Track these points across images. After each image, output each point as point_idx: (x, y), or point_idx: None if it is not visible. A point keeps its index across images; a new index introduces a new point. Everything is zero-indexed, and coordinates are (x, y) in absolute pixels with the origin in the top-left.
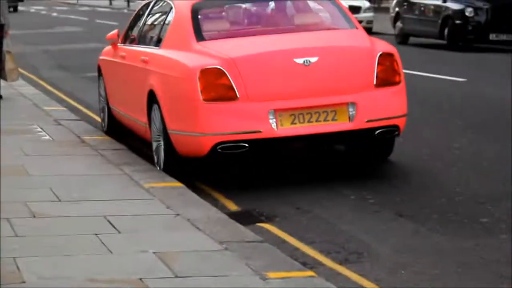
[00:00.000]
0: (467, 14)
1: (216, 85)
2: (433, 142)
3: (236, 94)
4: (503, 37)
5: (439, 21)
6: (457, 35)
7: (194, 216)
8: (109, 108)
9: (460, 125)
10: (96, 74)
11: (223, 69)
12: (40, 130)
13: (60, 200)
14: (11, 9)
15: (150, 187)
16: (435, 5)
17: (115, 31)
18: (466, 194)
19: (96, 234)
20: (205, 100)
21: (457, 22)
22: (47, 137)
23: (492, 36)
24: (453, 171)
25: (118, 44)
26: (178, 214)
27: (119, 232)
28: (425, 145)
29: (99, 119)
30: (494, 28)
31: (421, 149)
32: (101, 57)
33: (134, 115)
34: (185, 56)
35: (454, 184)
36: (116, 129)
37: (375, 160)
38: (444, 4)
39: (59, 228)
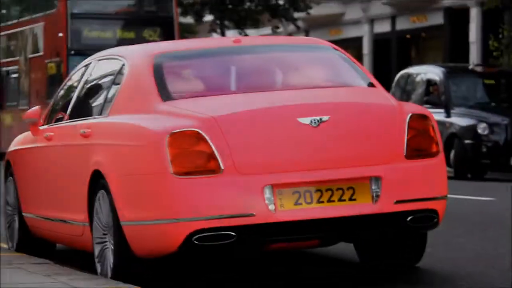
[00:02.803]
0: (479, 131)
1: (192, 153)
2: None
3: (219, 165)
4: None
5: (443, 142)
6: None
7: None
8: (21, 219)
9: None
10: None
11: (201, 132)
12: None
13: None
14: None
15: None
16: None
17: (35, 108)
18: None
19: None
20: (176, 173)
21: (466, 142)
22: None
23: None
24: None
25: (40, 126)
26: None
27: None
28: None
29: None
30: None
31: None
32: (11, 149)
33: (65, 214)
34: (147, 119)
35: None
36: (31, 248)
37: (400, 263)
38: (447, 120)
39: None
